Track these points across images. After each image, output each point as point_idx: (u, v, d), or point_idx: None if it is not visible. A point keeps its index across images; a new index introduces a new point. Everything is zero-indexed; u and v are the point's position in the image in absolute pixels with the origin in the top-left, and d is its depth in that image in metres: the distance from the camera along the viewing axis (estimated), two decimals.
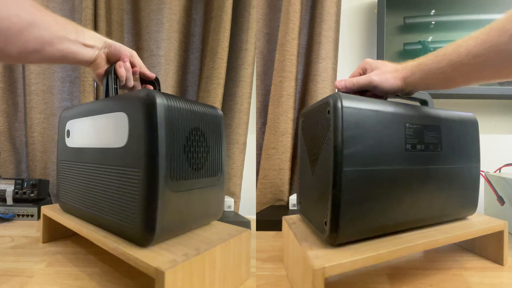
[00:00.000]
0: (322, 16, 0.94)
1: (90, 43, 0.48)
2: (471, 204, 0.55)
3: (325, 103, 0.42)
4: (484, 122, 1.04)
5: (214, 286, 0.42)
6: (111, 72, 0.50)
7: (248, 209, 1.05)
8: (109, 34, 0.95)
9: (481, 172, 0.75)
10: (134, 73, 0.53)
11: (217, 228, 0.51)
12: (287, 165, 0.93)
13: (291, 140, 0.93)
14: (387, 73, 0.48)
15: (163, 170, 0.39)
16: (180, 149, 0.41)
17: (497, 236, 0.54)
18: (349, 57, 1.06)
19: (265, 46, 1.01)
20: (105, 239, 0.43)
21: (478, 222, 0.55)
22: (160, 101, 0.39)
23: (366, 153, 0.41)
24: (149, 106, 0.39)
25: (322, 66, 0.94)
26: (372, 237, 0.43)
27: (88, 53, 0.48)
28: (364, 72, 0.51)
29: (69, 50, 0.44)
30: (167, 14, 0.95)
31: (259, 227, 0.76)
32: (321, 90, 0.94)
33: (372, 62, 0.51)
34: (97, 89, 0.94)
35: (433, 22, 0.97)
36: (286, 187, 0.94)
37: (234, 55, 1.01)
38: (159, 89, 0.57)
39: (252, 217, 0.85)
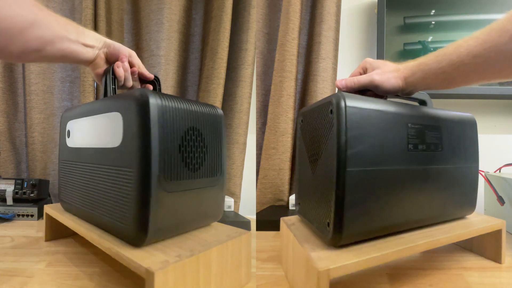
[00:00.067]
0: (322, 16, 0.94)
1: (90, 43, 0.48)
2: (470, 203, 0.56)
3: (327, 102, 0.42)
4: (484, 122, 1.04)
5: None
6: (109, 72, 0.50)
7: (248, 209, 1.05)
8: (109, 34, 0.95)
9: (481, 172, 0.76)
10: (132, 73, 0.53)
11: (217, 229, 0.50)
12: (287, 165, 0.93)
13: (291, 140, 0.93)
14: (388, 72, 0.48)
15: (156, 170, 0.38)
16: (174, 149, 0.41)
17: (496, 235, 0.54)
18: (349, 57, 1.06)
19: (265, 46, 1.01)
20: (101, 239, 0.43)
21: (477, 221, 0.55)
22: (153, 100, 0.39)
23: (369, 153, 0.40)
24: (142, 106, 0.39)
25: (322, 66, 0.94)
26: (373, 238, 0.43)
27: (88, 53, 0.48)
28: (364, 71, 0.51)
29: (69, 49, 0.45)
30: (167, 14, 0.95)
31: (259, 227, 0.76)
32: (321, 90, 0.94)
33: (372, 61, 0.51)
34: (97, 89, 0.94)
35: (433, 22, 0.97)
36: (286, 187, 0.94)
37: (234, 55, 1.01)
38: (160, 89, 0.57)
39: (252, 217, 0.85)
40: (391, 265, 0.53)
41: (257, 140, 1.01)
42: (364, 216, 0.40)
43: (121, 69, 0.50)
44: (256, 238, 0.69)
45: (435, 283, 0.48)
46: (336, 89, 0.52)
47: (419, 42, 0.97)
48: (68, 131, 0.57)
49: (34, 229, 0.73)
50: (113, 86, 0.50)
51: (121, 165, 0.41)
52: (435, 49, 0.45)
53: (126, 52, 0.52)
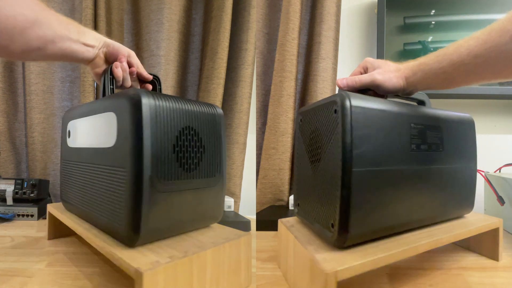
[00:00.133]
0: (322, 16, 0.94)
1: (90, 42, 0.48)
2: (468, 203, 0.57)
3: (331, 102, 0.41)
4: (484, 122, 1.04)
5: None
6: (108, 72, 0.50)
7: (248, 209, 1.05)
8: (109, 34, 0.95)
9: (481, 172, 0.76)
10: (131, 74, 0.53)
11: (216, 231, 0.49)
12: (287, 165, 0.93)
13: (291, 140, 0.93)
14: (390, 72, 0.48)
15: (149, 170, 0.38)
16: (168, 149, 0.41)
17: (493, 233, 0.55)
18: (349, 57, 1.06)
19: (265, 46, 1.01)
20: (96, 238, 0.43)
21: (476, 220, 0.56)
22: (146, 100, 0.39)
23: (374, 153, 0.40)
24: (135, 106, 0.38)
25: (322, 66, 0.94)
26: (375, 239, 0.43)
27: (88, 53, 0.48)
28: (365, 71, 0.51)
29: (70, 49, 0.45)
30: (167, 14, 0.95)
31: (259, 227, 0.76)
32: (321, 90, 0.93)
33: (373, 61, 0.50)
34: (97, 89, 0.94)
35: (433, 22, 0.97)
36: (286, 187, 0.93)
37: (234, 55, 1.01)
38: (160, 89, 0.57)
39: (252, 217, 0.85)
40: (391, 265, 0.53)
41: (257, 140, 1.01)
42: (368, 217, 0.40)
43: (120, 70, 0.50)
44: (256, 238, 0.69)
45: (435, 283, 0.48)
46: (337, 89, 0.52)
47: (419, 42, 0.97)
48: (69, 131, 0.57)
49: (34, 229, 0.73)
50: (111, 86, 0.50)
51: (115, 165, 0.41)
52: (435, 49, 0.45)
53: (125, 52, 0.52)
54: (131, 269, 0.34)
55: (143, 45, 1.00)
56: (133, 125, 0.38)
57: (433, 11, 0.97)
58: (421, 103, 0.55)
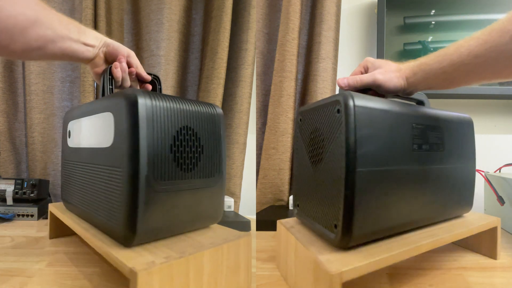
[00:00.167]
0: (322, 16, 0.94)
1: (91, 42, 0.48)
2: (467, 202, 0.57)
3: (334, 101, 0.40)
4: (484, 122, 1.04)
5: None
6: (107, 72, 0.50)
7: (248, 209, 1.05)
8: (109, 34, 0.95)
9: (481, 172, 0.76)
10: (130, 74, 0.53)
11: (215, 232, 0.49)
12: (287, 165, 0.93)
13: (291, 140, 0.93)
14: (391, 72, 0.48)
15: (145, 169, 0.38)
16: (165, 149, 0.41)
17: (491, 232, 0.56)
18: (349, 57, 1.06)
19: (265, 46, 1.01)
20: (93, 238, 0.43)
21: (474, 219, 0.56)
22: (142, 100, 0.39)
23: (377, 153, 0.40)
24: (131, 106, 0.38)
25: (322, 66, 0.94)
26: (378, 239, 0.43)
27: (88, 52, 0.48)
28: (366, 70, 0.51)
29: (70, 49, 0.45)
30: (167, 14, 0.95)
31: (259, 227, 0.76)
32: (321, 90, 0.93)
33: (374, 60, 0.50)
34: (97, 89, 0.94)
35: (433, 22, 0.97)
36: (286, 187, 0.94)
37: (234, 55, 1.01)
38: (160, 88, 0.57)
39: (252, 217, 0.85)
40: (391, 265, 0.53)
41: (257, 140, 1.01)
42: (371, 217, 0.40)
43: (119, 70, 0.50)
44: (256, 238, 0.69)
45: (435, 283, 0.48)
46: (337, 88, 0.52)
47: (419, 42, 0.97)
48: (69, 132, 0.58)
49: (34, 229, 0.73)
50: (110, 87, 0.50)
51: (112, 165, 0.41)
52: (435, 49, 0.45)
53: (125, 52, 0.52)
54: (126, 269, 0.34)
55: (143, 45, 1.00)
56: (129, 125, 0.38)
57: (433, 11, 0.97)
58: (420, 103, 0.55)
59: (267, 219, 0.78)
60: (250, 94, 1.00)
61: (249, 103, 1.01)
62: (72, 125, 0.56)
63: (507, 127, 1.05)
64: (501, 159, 0.88)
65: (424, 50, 0.97)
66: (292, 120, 0.93)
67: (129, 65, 0.52)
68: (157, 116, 0.40)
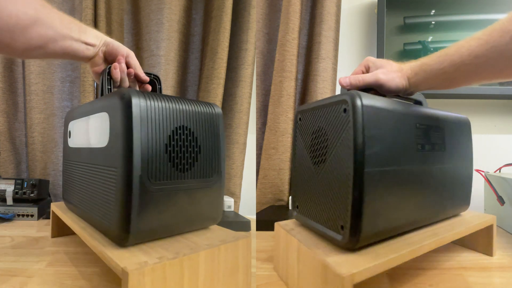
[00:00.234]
0: (322, 16, 0.94)
1: (91, 41, 0.48)
2: (465, 201, 0.58)
3: (340, 100, 0.40)
4: (484, 122, 1.04)
5: None
6: (106, 72, 0.50)
7: (248, 209, 1.05)
8: (109, 34, 0.95)
9: (481, 172, 0.76)
10: (128, 75, 0.52)
11: (214, 233, 0.48)
12: (287, 165, 0.93)
13: (291, 140, 0.93)
14: (393, 72, 0.48)
15: (139, 170, 0.38)
16: (160, 149, 0.40)
17: (488, 230, 0.57)
18: (349, 57, 1.06)
19: (265, 46, 1.01)
20: (89, 237, 0.44)
21: (471, 217, 0.57)
22: (136, 100, 0.39)
23: (384, 153, 0.39)
24: (125, 105, 0.38)
25: (322, 66, 0.94)
26: (382, 240, 0.43)
27: (89, 51, 0.49)
28: (367, 70, 0.51)
29: (71, 48, 0.45)
30: (167, 14, 0.95)
31: (259, 227, 0.76)
32: (321, 90, 0.94)
33: (375, 60, 0.50)
34: (96, 89, 0.94)
35: (433, 22, 0.97)
36: (286, 187, 0.94)
37: (234, 55, 1.01)
38: (160, 88, 0.57)
39: (252, 217, 0.85)
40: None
41: (257, 140, 1.01)
42: (378, 218, 0.39)
43: (118, 71, 0.50)
44: (256, 238, 0.69)
45: (435, 283, 0.48)
46: (337, 88, 0.52)
47: (419, 42, 0.97)
48: (69, 132, 0.58)
49: (34, 229, 0.73)
50: (109, 87, 0.50)
51: (108, 165, 0.41)
52: (435, 49, 0.45)
53: (124, 52, 0.52)
54: (118, 268, 0.34)
55: (143, 45, 1.00)
56: (123, 125, 0.38)
57: (433, 11, 0.97)
58: (418, 103, 0.55)
59: (267, 219, 0.77)
60: (250, 94, 1.00)
61: (249, 103, 1.01)
62: (72, 125, 0.57)
63: (507, 127, 1.05)
64: (501, 159, 0.88)
65: (424, 50, 0.97)
66: (292, 120, 0.93)
67: (128, 66, 0.52)
68: (152, 116, 0.40)
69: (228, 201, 0.91)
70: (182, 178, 0.43)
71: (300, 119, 0.50)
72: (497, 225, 0.75)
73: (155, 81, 0.56)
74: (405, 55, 0.97)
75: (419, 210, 0.46)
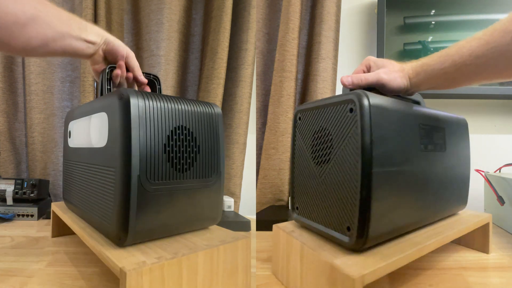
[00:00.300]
0: (322, 16, 0.94)
1: (92, 39, 0.48)
2: (463, 200, 0.59)
3: (346, 100, 0.39)
4: (484, 122, 1.04)
5: None
6: (105, 72, 0.50)
7: (248, 209, 1.05)
8: None
9: (481, 172, 0.76)
10: (127, 79, 0.52)
11: (213, 233, 0.48)
12: (287, 165, 0.93)
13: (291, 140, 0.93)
14: (395, 72, 0.48)
15: (137, 169, 0.38)
16: (159, 149, 0.40)
17: (484, 228, 0.58)
18: (349, 57, 1.06)
19: (265, 46, 1.01)
20: (88, 237, 0.44)
21: (468, 216, 0.58)
22: (134, 100, 0.39)
23: (391, 153, 0.39)
24: (123, 105, 0.38)
25: (322, 66, 0.94)
26: (386, 240, 0.42)
27: (89, 49, 0.48)
28: (368, 69, 0.51)
29: (70, 46, 0.45)
30: (167, 14, 0.95)
31: (259, 227, 0.76)
32: (321, 90, 0.93)
33: (376, 60, 0.50)
34: (96, 89, 0.94)
35: (433, 22, 0.97)
36: (286, 187, 0.94)
37: (234, 55, 1.01)
38: (160, 89, 0.57)
39: (252, 217, 0.85)
40: None
41: (257, 140, 1.01)
42: (385, 218, 0.39)
43: (118, 78, 0.50)
44: (256, 238, 0.69)
45: (435, 283, 0.48)
46: (337, 87, 0.51)
47: (419, 42, 0.97)
48: (70, 132, 0.58)
49: (34, 229, 0.73)
50: (108, 87, 0.50)
51: (107, 165, 0.41)
52: (435, 49, 0.45)
53: (124, 52, 0.51)
54: (117, 268, 0.34)
55: (143, 45, 1.00)
56: (122, 125, 0.38)
57: (433, 11, 0.97)
58: (416, 103, 0.55)
59: (267, 219, 0.77)
60: (250, 94, 1.00)
61: (249, 103, 1.01)
62: (72, 125, 0.57)
63: (507, 127, 1.05)
64: (501, 159, 0.88)
65: (424, 50, 0.97)
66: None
67: (127, 66, 0.52)
68: (150, 116, 0.40)
69: (228, 201, 0.91)
70: (181, 178, 0.43)
71: (299, 118, 0.49)
72: (497, 225, 0.76)
73: (154, 81, 0.56)
74: (405, 55, 0.97)
75: (421, 210, 0.47)
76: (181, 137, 0.43)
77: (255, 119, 1.00)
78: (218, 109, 0.49)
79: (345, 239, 0.39)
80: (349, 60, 1.06)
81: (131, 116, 0.38)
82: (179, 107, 0.44)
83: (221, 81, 0.96)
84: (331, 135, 0.42)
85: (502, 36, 0.37)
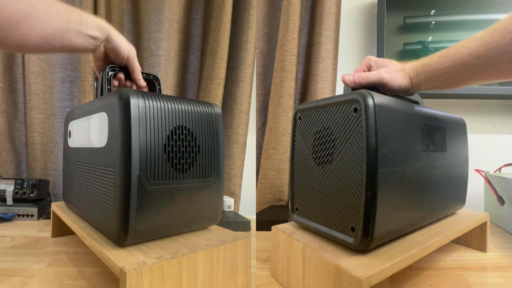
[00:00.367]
0: (322, 16, 0.94)
1: (93, 34, 0.46)
2: (462, 200, 0.60)
3: (350, 99, 0.39)
4: (484, 122, 1.04)
5: None
6: (105, 72, 0.50)
7: (248, 209, 1.05)
8: None
9: (481, 172, 0.76)
10: (126, 86, 0.52)
11: (213, 233, 0.48)
12: (287, 165, 0.93)
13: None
14: (396, 71, 0.48)
15: (137, 169, 0.38)
16: (159, 149, 0.40)
17: (481, 227, 0.58)
18: (349, 57, 1.06)
19: (265, 46, 1.01)
20: (88, 237, 0.44)
21: (467, 215, 0.58)
22: (134, 100, 0.39)
23: (395, 153, 0.39)
24: (123, 105, 0.38)
25: (322, 66, 0.94)
26: (389, 241, 0.42)
27: (90, 45, 0.46)
28: (368, 69, 0.51)
29: (70, 43, 0.43)
30: (167, 14, 0.95)
31: (259, 227, 0.76)
32: (321, 90, 0.93)
33: (377, 59, 0.50)
34: (96, 89, 0.94)
35: (433, 22, 0.97)
36: (286, 187, 0.94)
37: (234, 55, 1.01)
38: (160, 89, 0.57)
39: (252, 217, 0.85)
40: None
41: (257, 140, 1.01)
42: (389, 218, 0.39)
43: (117, 83, 0.51)
44: (256, 238, 0.69)
45: (435, 283, 0.48)
46: (337, 87, 0.51)
47: (419, 42, 0.97)
48: (70, 132, 0.58)
49: (34, 229, 0.73)
50: (108, 87, 0.50)
51: (107, 165, 0.41)
52: (435, 49, 0.45)
53: (125, 53, 0.50)
54: (116, 268, 0.34)
55: (143, 45, 1.00)
56: (122, 125, 0.38)
57: (433, 11, 0.97)
58: (415, 103, 0.55)
59: (267, 219, 0.78)
60: (250, 94, 1.00)
61: (249, 103, 1.01)
62: (72, 125, 0.57)
63: (507, 127, 1.05)
64: (501, 159, 0.88)
65: (424, 50, 0.97)
66: None
67: (127, 67, 0.52)
68: (150, 116, 0.40)
69: (228, 201, 0.91)
70: (181, 178, 0.43)
71: (299, 118, 0.49)
72: (497, 225, 0.76)
73: (154, 81, 0.56)
74: (405, 55, 0.97)
75: (422, 210, 0.47)
76: (181, 137, 0.43)
77: (255, 119, 1.00)
78: (218, 109, 0.49)
79: (350, 240, 0.38)
80: (349, 60, 1.06)
81: (131, 116, 0.38)
82: (179, 107, 0.44)
83: (221, 81, 0.96)
84: (334, 135, 0.41)
85: (502, 36, 0.37)
